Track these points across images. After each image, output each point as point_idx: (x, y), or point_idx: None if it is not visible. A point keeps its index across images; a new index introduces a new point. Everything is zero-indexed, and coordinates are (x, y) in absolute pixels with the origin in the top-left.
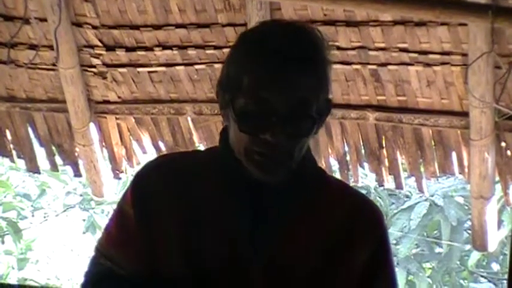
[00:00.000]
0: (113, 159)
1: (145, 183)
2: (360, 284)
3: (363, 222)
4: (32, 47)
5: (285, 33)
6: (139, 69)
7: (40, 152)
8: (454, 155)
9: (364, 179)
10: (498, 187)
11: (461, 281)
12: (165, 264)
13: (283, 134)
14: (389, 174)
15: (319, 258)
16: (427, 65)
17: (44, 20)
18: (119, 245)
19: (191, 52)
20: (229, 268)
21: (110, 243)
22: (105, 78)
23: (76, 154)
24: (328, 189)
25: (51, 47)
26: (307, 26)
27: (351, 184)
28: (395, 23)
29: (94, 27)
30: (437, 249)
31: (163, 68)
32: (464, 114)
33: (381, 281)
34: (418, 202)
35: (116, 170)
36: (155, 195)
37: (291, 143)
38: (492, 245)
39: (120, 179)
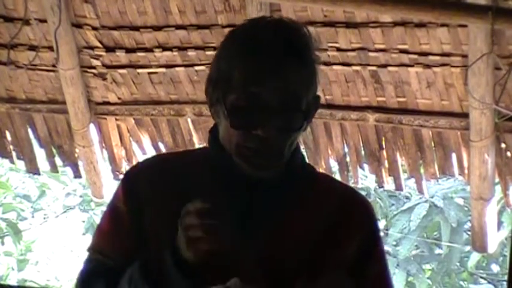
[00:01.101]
0: (112, 160)
1: (135, 181)
2: (351, 275)
3: (352, 213)
4: (32, 48)
5: (274, 29)
6: (139, 71)
7: (40, 153)
8: (454, 156)
9: (364, 180)
10: (498, 188)
11: (461, 282)
12: (157, 259)
13: (274, 128)
14: (389, 175)
15: (309, 251)
16: (427, 66)
17: (44, 21)
18: (111, 238)
19: (191, 53)
20: (220, 262)
21: (102, 238)
22: (105, 79)
23: (76, 155)
24: (317, 183)
25: (51, 48)
26: (296, 22)
27: (351, 185)
28: (395, 24)
29: (94, 29)
30: (437, 251)
31: (163, 69)
32: (464, 115)
33: (371, 271)
34: (418, 203)
35: (116, 171)
36: (146, 193)
37: (281, 138)
38: (492, 246)
39: (119, 180)
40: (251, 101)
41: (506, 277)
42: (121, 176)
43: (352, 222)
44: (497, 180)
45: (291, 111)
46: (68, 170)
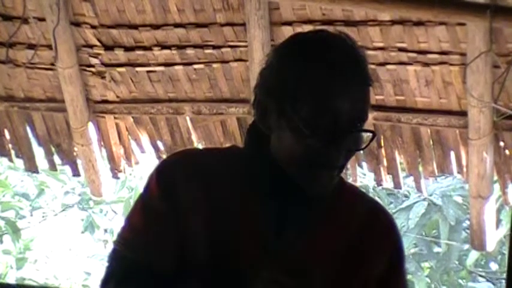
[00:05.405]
0: (111, 158)
1: (170, 178)
2: None
3: (379, 230)
4: (31, 46)
5: (341, 44)
6: (138, 69)
7: (38, 152)
8: (452, 154)
9: (362, 178)
10: (496, 186)
11: (460, 281)
12: (191, 258)
13: (346, 147)
14: (388, 173)
15: (337, 263)
16: (426, 64)
17: (42, 19)
18: (146, 238)
19: (190, 52)
20: (251, 267)
21: (135, 236)
22: (103, 77)
23: (75, 154)
24: (345, 195)
25: (49, 47)
26: (351, 37)
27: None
28: (394, 22)
29: (93, 27)
30: (436, 249)
31: (161, 68)
32: (463, 113)
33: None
34: (417, 201)
35: (115, 170)
36: (181, 190)
37: (346, 156)
38: (490, 245)
39: (118, 178)
40: (328, 118)
41: (505, 275)
42: (120, 175)
43: (378, 239)
44: (495, 178)
45: (361, 131)
46: (67, 169)
